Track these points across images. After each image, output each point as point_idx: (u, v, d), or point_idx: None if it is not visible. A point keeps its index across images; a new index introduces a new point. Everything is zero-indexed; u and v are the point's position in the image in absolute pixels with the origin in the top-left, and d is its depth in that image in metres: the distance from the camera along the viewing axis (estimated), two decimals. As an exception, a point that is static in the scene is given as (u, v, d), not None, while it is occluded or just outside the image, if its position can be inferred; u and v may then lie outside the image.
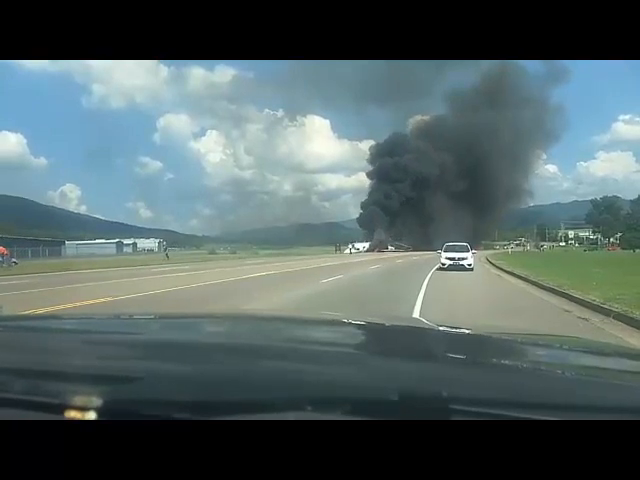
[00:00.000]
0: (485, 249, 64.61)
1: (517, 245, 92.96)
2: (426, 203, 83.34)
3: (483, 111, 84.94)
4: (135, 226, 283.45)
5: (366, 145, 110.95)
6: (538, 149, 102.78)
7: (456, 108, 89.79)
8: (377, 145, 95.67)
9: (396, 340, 1.43)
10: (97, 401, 0.68)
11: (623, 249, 78.38)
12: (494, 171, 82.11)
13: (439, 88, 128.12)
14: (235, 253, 64.89)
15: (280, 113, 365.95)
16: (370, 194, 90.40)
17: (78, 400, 0.69)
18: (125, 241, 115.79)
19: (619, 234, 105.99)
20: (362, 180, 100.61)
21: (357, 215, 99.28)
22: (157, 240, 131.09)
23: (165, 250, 52.41)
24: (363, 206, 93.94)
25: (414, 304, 9.21)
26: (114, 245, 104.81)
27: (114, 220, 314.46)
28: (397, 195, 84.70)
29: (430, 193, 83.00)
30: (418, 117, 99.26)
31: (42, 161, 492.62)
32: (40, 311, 7.70)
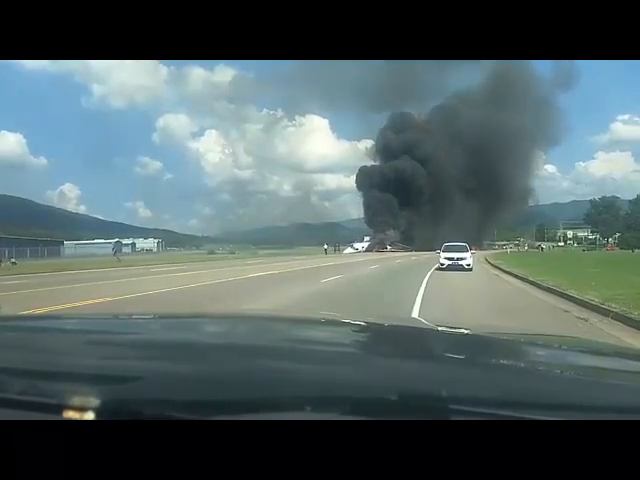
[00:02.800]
0: (484, 249, 64.59)
1: (515, 245, 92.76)
2: (425, 203, 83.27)
3: (485, 112, 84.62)
4: (134, 226, 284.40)
5: (364, 145, 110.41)
6: (539, 150, 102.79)
7: (458, 109, 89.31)
8: (375, 144, 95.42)
9: (395, 340, 1.43)
10: (97, 401, 0.68)
11: (622, 249, 78.52)
12: (495, 171, 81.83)
13: (439, 89, 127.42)
14: (234, 253, 64.65)
15: (279, 113, 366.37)
16: (370, 188, 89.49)
17: (78, 400, 0.69)
18: (124, 241, 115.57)
19: (618, 234, 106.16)
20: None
21: (356, 215, 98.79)
22: (156, 240, 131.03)
23: (115, 251, 44.16)
24: (360, 185, 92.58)
25: (413, 303, 9.24)
26: (112, 245, 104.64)
27: (113, 220, 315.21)
28: (397, 194, 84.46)
29: (430, 192, 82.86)
30: (416, 115, 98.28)
31: (41, 161, 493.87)
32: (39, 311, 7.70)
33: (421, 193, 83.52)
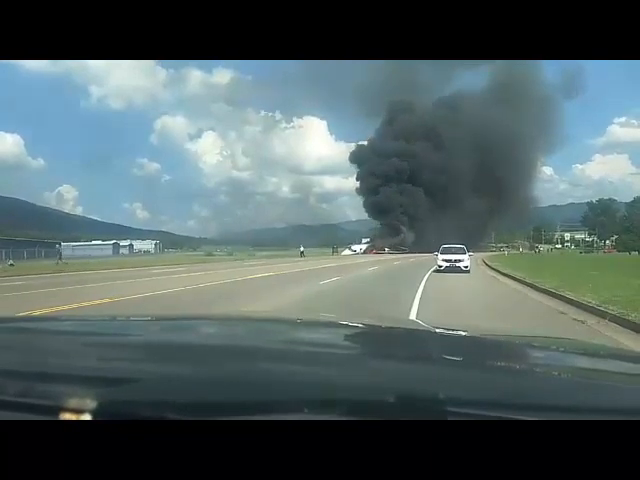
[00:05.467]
0: (482, 251, 64.68)
1: (512, 247, 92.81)
2: (424, 205, 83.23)
3: (487, 115, 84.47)
4: (132, 227, 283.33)
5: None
6: (540, 153, 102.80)
7: (457, 111, 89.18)
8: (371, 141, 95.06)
9: (393, 342, 1.44)
10: (95, 402, 0.68)
11: (619, 251, 78.94)
12: (496, 175, 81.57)
13: (440, 92, 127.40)
14: (232, 255, 64.61)
15: (277, 115, 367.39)
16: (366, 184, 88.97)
17: (76, 402, 0.69)
18: (122, 242, 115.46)
19: (615, 237, 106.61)
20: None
21: (354, 217, 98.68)
22: (154, 242, 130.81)
23: (59, 255, 37.66)
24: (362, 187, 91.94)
25: (411, 305, 9.24)
26: (110, 246, 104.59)
27: (111, 221, 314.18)
28: (395, 193, 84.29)
29: (430, 194, 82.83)
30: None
31: (39, 162, 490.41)
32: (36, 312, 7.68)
33: (420, 194, 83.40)
